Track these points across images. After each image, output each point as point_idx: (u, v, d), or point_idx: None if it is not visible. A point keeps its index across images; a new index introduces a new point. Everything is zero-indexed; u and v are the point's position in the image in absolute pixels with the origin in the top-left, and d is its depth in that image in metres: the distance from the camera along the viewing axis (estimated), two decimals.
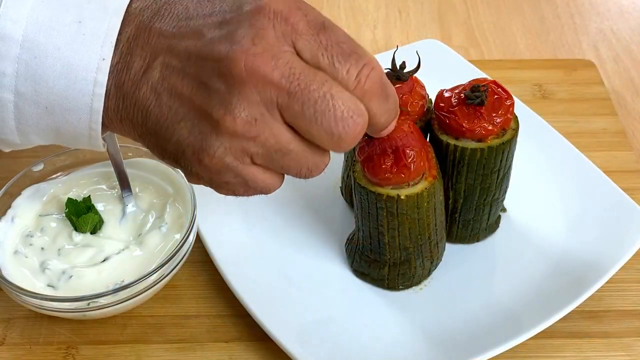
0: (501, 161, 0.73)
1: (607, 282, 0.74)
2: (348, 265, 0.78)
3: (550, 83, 1.02)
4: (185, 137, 0.53)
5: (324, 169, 0.57)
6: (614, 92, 1.03)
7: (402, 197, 0.68)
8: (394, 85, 0.73)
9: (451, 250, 0.79)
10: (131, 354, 0.72)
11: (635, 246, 0.76)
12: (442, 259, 0.78)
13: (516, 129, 0.73)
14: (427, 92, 0.76)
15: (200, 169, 0.54)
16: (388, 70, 0.74)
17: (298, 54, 0.51)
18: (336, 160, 0.80)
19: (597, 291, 0.73)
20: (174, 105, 0.52)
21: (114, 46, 0.52)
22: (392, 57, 0.74)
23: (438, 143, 0.73)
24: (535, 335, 0.70)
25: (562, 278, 0.75)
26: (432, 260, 0.75)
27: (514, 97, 0.73)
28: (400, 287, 0.76)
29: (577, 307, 0.72)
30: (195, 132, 0.52)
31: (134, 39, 0.53)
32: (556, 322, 0.70)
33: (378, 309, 0.74)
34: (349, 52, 0.53)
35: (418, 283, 0.76)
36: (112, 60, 0.52)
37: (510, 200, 0.81)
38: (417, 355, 0.70)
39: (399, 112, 0.59)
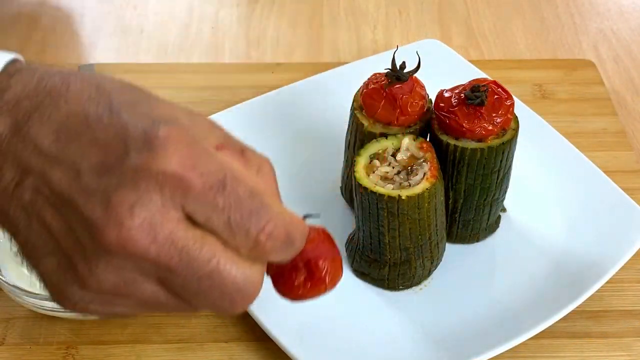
0: (501, 161, 0.73)
1: (607, 282, 0.74)
2: (348, 265, 0.78)
3: (550, 83, 1.02)
4: (50, 274, 0.46)
5: None
6: (614, 92, 1.03)
7: (403, 198, 0.68)
8: (393, 85, 0.73)
9: (451, 250, 0.79)
10: (131, 354, 0.72)
11: (635, 246, 0.76)
12: (442, 259, 0.78)
13: (516, 129, 0.73)
14: (427, 92, 0.76)
15: (64, 307, 0.48)
16: (388, 70, 0.75)
17: (190, 217, 0.44)
18: (336, 160, 0.80)
19: (597, 291, 0.73)
20: (43, 236, 0.45)
21: None
22: (392, 57, 0.74)
23: (438, 143, 0.73)
24: (535, 335, 0.70)
25: (562, 278, 0.75)
26: (433, 261, 0.75)
27: (514, 97, 0.73)
28: (401, 287, 0.76)
29: (577, 307, 0.72)
30: (59, 274, 0.46)
31: (7, 144, 0.45)
32: (556, 322, 0.71)
33: (378, 309, 0.74)
34: (249, 212, 0.45)
35: (418, 283, 0.76)
36: None
37: (510, 200, 0.81)
38: (417, 355, 0.70)
39: (307, 233, 0.52)
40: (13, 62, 0.47)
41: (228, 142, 0.48)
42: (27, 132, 0.45)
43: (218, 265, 0.45)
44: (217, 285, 0.45)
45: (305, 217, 0.58)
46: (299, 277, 0.58)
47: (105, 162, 0.43)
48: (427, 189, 0.69)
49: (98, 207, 0.43)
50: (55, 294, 0.47)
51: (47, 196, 0.45)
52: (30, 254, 0.47)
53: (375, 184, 0.70)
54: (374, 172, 0.71)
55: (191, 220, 0.44)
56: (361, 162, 0.71)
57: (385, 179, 0.70)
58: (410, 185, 0.69)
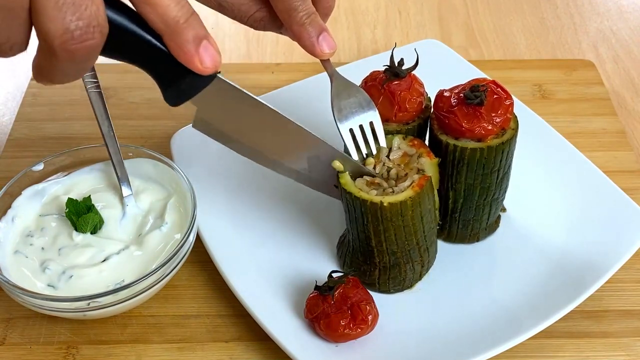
0: (501, 161, 0.73)
1: (606, 282, 0.74)
2: (339, 267, 0.78)
3: (550, 83, 1.02)
4: None
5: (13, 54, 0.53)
6: (614, 92, 1.03)
7: (385, 205, 0.68)
8: (392, 82, 0.74)
9: (451, 250, 0.79)
10: (131, 354, 0.72)
11: (635, 246, 0.76)
12: (442, 258, 0.77)
13: (515, 129, 0.73)
14: (427, 92, 0.76)
15: None
16: (387, 67, 0.75)
17: None
18: None
19: (596, 291, 0.73)
20: None
21: None
22: (390, 54, 0.74)
23: (438, 143, 0.73)
24: (535, 335, 0.70)
25: (562, 278, 0.75)
26: (423, 265, 0.75)
27: (513, 97, 0.73)
28: (392, 290, 0.75)
29: (576, 307, 0.72)
30: None
31: None
32: (556, 322, 0.71)
33: (377, 309, 0.74)
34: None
35: (410, 287, 0.76)
36: None
37: (510, 200, 0.81)
38: (417, 355, 0.70)
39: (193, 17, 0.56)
40: None
41: None
42: None
43: None
44: (83, 7, 0.49)
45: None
46: (345, 320, 0.69)
47: None
48: (410, 197, 0.68)
49: None
50: None
51: None
52: None
53: (361, 190, 0.69)
54: (362, 177, 0.71)
55: None
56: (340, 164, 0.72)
57: (371, 184, 0.71)
58: (393, 192, 0.69)
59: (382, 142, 0.72)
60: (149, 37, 0.56)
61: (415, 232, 0.71)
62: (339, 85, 0.73)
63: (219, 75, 0.61)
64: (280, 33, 0.75)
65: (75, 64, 0.51)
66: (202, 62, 0.57)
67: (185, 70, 0.58)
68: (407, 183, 0.69)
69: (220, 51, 0.58)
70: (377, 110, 0.73)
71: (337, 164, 0.71)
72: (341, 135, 0.72)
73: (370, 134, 0.72)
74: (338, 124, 0.72)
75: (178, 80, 0.60)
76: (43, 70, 0.53)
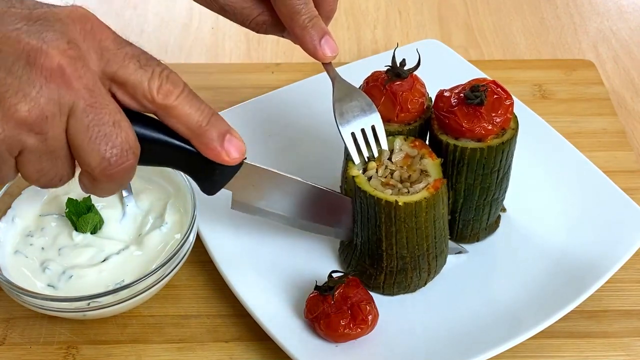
0: (501, 161, 0.73)
1: (606, 282, 0.74)
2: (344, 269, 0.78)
3: (550, 83, 1.02)
4: None
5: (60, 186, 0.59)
6: (614, 92, 1.03)
7: (400, 204, 0.68)
8: (393, 82, 0.74)
9: (451, 250, 0.79)
10: (131, 354, 0.72)
11: (635, 246, 0.76)
12: None
13: (516, 129, 0.73)
14: (427, 92, 0.76)
15: None
16: (389, 67, 0.75)
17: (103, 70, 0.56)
18: (336, 160, 0.80)
19: (596, 291, 0.73)
20: None
21: None
22: (392, 54, 0.74)
23: (438, 143, 0.73)
24: (535, 335, 0.70)
25: (562, 278, 0.75)
26: (430, 273, 0.75)
27: (513, 97, 0.73)
28: (395, 293, 0.75)
29: (576, 307, 0.72)
30: None
31: None
32: (556, 322, 0.71)
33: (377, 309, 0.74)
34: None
35: (414, 291, 0.76)
36: None
37: (510, 200, 0.81)
38: (417, 355, 0.70)
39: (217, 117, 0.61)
40: None
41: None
42: None
43: (121, 120, 0.55)
44: (114, 135, 0.55)
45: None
46: (345, 320, 0.69)
47: (31, 14, 0.53)
48: (425, 198, 0.68)
49: (36, 39, 0.52)
50: None
51: None
52: None
53: (375, 189, 0.70)
54: (377, 174, 0.71)
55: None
56: (354, 166, 0.72)
57: (386, 184, 0.71)
58: (408, 193, 0.69)
59: (384, 145, 0.72)
60: (178, 142, 0.61)
61: (427, 236, 0.71)
62: (341, 89, 0.73)
63: (245, 161, 0.66)
64: (282, 37, 0.75)
65: (116, 184, 0.58)
66: (229, 154, 0.62)
67: (215, 164, 0.63)
68: (422, 185, 0.70)
69: (243, 141, 0.63)
70: (378, 114, 0.73)
71: (354, 172, 0.71)
72: (343, 139, 0.72)
73: (372, 138, 0.72)
74: (340, 127, 0.72)
75: (210, 173, 0.65)
76: (88, 189, 0.59)
